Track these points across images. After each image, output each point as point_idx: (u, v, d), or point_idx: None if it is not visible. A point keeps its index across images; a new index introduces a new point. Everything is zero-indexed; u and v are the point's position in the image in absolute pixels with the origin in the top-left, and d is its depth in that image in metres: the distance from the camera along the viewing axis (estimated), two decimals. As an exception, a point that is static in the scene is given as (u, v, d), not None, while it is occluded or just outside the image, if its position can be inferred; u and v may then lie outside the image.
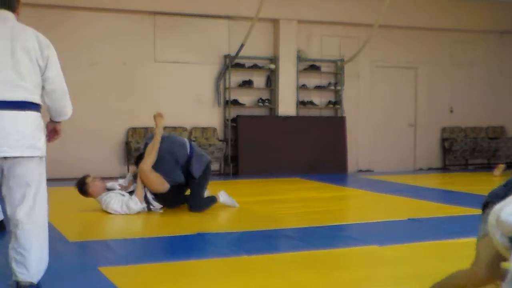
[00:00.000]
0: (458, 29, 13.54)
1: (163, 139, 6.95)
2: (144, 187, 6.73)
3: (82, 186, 6.75)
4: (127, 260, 4.64)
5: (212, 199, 7.12)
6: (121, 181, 7.04)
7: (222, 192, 7.26)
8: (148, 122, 11.32)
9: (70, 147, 10.76)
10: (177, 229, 5.94)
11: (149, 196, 6.79)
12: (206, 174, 7.07)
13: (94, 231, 6.13)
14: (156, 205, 6.84)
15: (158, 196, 6.82)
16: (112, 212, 6.60)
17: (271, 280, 4.09)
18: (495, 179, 11.07)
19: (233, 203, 7.26)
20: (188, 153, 6.91)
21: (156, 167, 6.70)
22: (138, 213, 6.70)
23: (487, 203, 3.43)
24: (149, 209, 6.82)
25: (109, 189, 6.83)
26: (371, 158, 13.08)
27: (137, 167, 6.88)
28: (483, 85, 13.93)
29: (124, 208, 6.59)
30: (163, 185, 6.73)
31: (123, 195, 6.70)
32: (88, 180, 6.75)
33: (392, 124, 13.26)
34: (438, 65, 13.59)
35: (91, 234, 5.91)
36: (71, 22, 10.87)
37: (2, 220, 6.09)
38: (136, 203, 6.62)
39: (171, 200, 6.95)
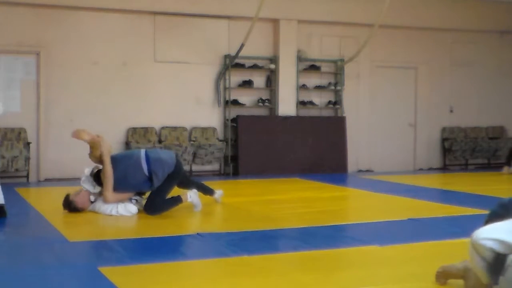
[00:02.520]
0: (458, 29, 13.54)
1: (119, 160, 6.67)
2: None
3: (70, 205, 6.69)
4: (127, 260, 4.63)
5: (176, 200, 6.76)
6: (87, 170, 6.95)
7: (192, 193, 6.86)
8: (148, 122, 11.36)
9: (70, 147, 10.76)
10: (177, 229, 5.94)
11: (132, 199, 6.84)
12: (170, 177, 6.69)
13: (94, 231, 6.12)
14: (139, 199, 6.89)
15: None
16: (111, 214, 6.65)
17: (271, 280, 4.09)
18: (496, 179, 11.06)
19: (198, 207, 6.83)
20: (146, 172, 6.57)
21: (119, 186, 6.60)
22: (138, 212, 6.73)
23: (487, 222, 3.47)
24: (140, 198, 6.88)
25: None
26: (371, 158, 13.07)
27: (97, 184, 6.76)
28: (483, 85, 13.93)
29: (121, 211, 6.63)
30: (130, 196, 6.76)
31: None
32: (72, 197, 6.70)
33: (392, 124, 13.26)
34: (438, 65, 13.59)
35: (91, 234, 5.91)
36: (71, 22, 10.87)
37: (2, 205, 6.11)
38: (131, 206, 6.67)
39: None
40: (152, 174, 6.57)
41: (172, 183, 6.76)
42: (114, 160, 6.65)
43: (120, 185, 6.59)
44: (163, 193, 6.69)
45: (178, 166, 6.76)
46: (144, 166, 6.57)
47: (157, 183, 6.59)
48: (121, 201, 6.69)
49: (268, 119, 12.18)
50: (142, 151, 6.73)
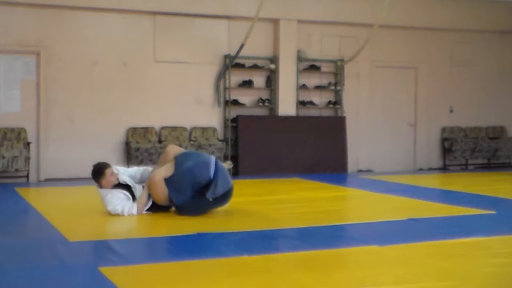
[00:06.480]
0: (458, 29, 13.54)
1: (190, 155, 6.72)
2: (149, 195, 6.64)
3: (98, 173, 6.61)
4: (127, 260, 4.63)
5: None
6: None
7: None
8: (148, 122, 11.36)
9: (70, 147, 10.78)
10: (177, 229, 5.94)
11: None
12: (221, 200, 6.71)
13: (94, 231, 6.12)
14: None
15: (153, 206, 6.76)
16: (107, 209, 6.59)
17: (271, 280, 4.09)
18: (496, 178, 11.05)
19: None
20: (212, 176, 6.54)
21: (171, 183, 6.53)
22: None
23: None
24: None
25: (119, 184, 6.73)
26: (371, 158, 13.07)
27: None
28: (483, 85, 13.93)
29: (118, 212, 6.54)
30: (165, 201, 6.64)
31: (129, 198, 6.63)
32: (107, 172, 6.59)
33: (392, 124, 13.26)
34: (438, 65, 13.59)
35: (91, 234, 5.90)
36: (71, 22, 10.88)
37: None
38: (132, 213, 6.55)
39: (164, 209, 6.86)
40: (215, 180, 6.54)
41: (217, 206, 6.79)
42: (185, 154, 6.71)
43: (176, 180, 6.49)
44: (203, 210, 6.69)
45: (229, 193, 6.77)
46: (211, 168, 6.56)
47: (211, 194, 6.55)
48: (152, 191, 6.54)
49: (268, 119, 12.18)
50: (213, 157, 6.74)
